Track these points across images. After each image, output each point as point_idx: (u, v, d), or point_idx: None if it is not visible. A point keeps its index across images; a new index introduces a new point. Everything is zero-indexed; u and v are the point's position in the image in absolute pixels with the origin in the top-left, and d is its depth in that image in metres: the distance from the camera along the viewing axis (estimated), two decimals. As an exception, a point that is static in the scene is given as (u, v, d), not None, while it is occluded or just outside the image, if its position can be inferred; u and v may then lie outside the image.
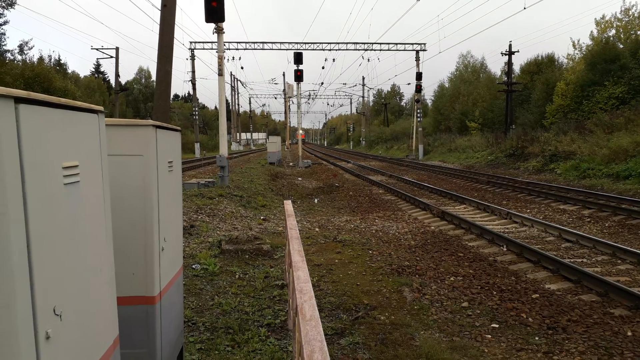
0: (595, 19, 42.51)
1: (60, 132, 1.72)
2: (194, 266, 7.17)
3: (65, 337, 1.70)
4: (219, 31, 15.18)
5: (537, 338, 5.12)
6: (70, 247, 1.78)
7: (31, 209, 1.48)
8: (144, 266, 2.83)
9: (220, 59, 15.42)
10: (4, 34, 30.70)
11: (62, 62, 56.59)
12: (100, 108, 2.10)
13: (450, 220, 11.60)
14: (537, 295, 6.38)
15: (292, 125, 76.64)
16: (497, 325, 5.46)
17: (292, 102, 55.51)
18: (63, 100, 1.74)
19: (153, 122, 2.80)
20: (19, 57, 35.35)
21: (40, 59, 41.26)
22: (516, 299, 6.27)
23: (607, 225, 10.82)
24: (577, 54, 36.65)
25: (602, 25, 34.64)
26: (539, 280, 7.07)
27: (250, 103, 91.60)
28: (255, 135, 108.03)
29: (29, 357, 1.47)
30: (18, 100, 1.43)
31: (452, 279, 7.17)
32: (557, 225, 10.23)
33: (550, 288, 6.69)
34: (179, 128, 3.45)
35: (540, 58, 44.06)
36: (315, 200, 16.33)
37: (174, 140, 3.35)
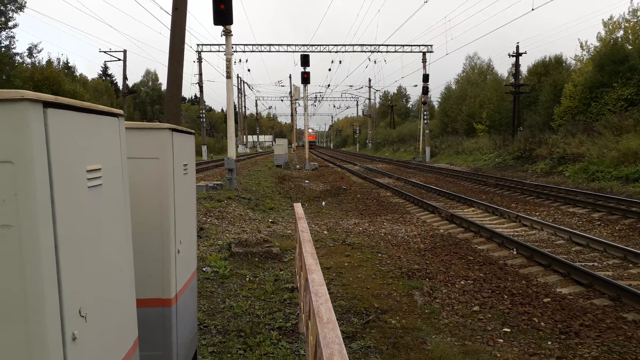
0: (602, 20, 42.28)
1: (84, 135, 1.73)
2: (204, 269, 7.19)
3: (90, 338, 1.72)
4: (227, 34, 15.23)
5: (549, 342, 5.08)
6: (94, 250, 1.80)
7: (59, 213, 1.50)
8: (160, 268, 2.85)
9: (229, 61, 15.46)
10: (14, 37, 30.96)
11: (70, 64, 57.05)
12: (120, 111, 2.12)
13: (459, 223, 11.56)
14: (549, 299, 6.35)
15: (298, 127, 76.53)
16: (508, 330, 5.43)
17: (299, 105, 55.58)
18: (86, 104, 1.76)
19: (170, 125, 2.82)
20: (28, 60, 35.67)
21: (49, 61, 41.62)
22: (527, 303, 6.24)
23: (617, 228, 10.74)
24: (585, 55, 36.49)
25: (610, 27, 34.46)
26: (550, 284, 7.03)
27: (256, 105, 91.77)
28: (261, 138, 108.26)
29: (56, 358, 1.49)
30: (47, 104, 1.45)
31: (462, 282, 7.14)
32: (567, 229, 10.17)
33: (561, 292, 6.65)
34: (193, 131, 3.46)
35: (547, 59, 43.93)
36: (323, 203, 16.33)
37: (189, 144, 3.37)
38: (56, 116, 1.50)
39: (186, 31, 13.52)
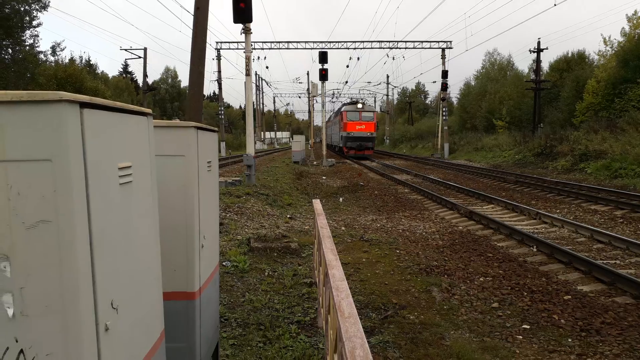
0: (626, 15, 41.35)
1: (115, 134, 1.80)
2: (224, 263, 7.30)
3: (121, 329, 1.79)
4: (247, 32, 15.33)
5: (569, 340, 5.06)
6: (125, 245, 1.87)
7: (93, 208, 1.56)
8: (185, 263, 2.92)
9: (248, 59, 15.56)
10: (37, 36, 31.53)
11: (92, 62, 57.98)
12: (149, 110, 2.19)
13: (478, 220, 11.49)
14: (569, 296, 6.30)
15: (315, 124, 76.28)
16: (528, 327, 5.42)
17: (317, 101, 55.56)
18: (118, 104, 1.82)
19: (195, 123, 2.89)
20: (52, 58, 36.31)
21: (72, 60, 42.34)
22: (547, 300, 6.20)
23: (640, 226, 10.56)
24: (608, 50, 35.73)
25: (635, 22, 33.67)
26: (570, 281, 6.97)
27: (274, 102, 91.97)
28: (279, 135, 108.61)
29: (91, 348, 1.56)
30: (83, 105, 1.51)
31: (481, 279, 7.12)
32: (589, 226, 10.03)
33: (582, 290, 6.59)
34: (216, 129, 3.53)
35: (570, 55, 43.19)
36: (340, 199, 16.36)
37: (212, 141, 3.43)
38: (91, 116, 1.56)
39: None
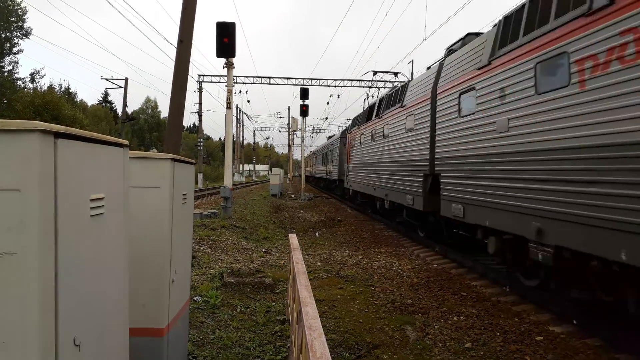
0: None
1: (90, 165, 1.78)
2: (195, 298, 7.13)
3: (83, 367, 1.72)
4: (229, 66, 15.51)
5: (542, 382, 5.05)
6: (92, 279, 1.82)
7: (61, 242, 1.53)
8: (154, 298, 2.85)
9: (230, 92, 15.69)
10: (17, 62, 31.37)
11: (71, 90, 57.64)
12: (126, 142, 2.18)
13: (453, 259, 11.55)
14: (541, 337, 6.32)
15: (295, 158, 76.49)
16: (501, 368, 5.39)
17: (296, 136, 55.94)
18: (95, 135, 1.82)
19: (171, 155, 2.88)
20: (30, 85, 36.02)
21: (50, 87, 42.05)
22: (520, 340, 6.20)
23: (610, 268, 10.75)
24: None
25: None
26: (542, 322, 7.00)
27: (254, 135, 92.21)
28: (258, 167, 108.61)
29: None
30: (57, 135, 1.50)
31: (455, 318, 7.10)
32: (561, 267, 10.16)
33: (554, 331, 6.63)
34: (193, 161, 3.52)
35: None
36: (317, 234, 16.30)
37: (189, 173, 3.42)
38: (65, 147, 1.55)
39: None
